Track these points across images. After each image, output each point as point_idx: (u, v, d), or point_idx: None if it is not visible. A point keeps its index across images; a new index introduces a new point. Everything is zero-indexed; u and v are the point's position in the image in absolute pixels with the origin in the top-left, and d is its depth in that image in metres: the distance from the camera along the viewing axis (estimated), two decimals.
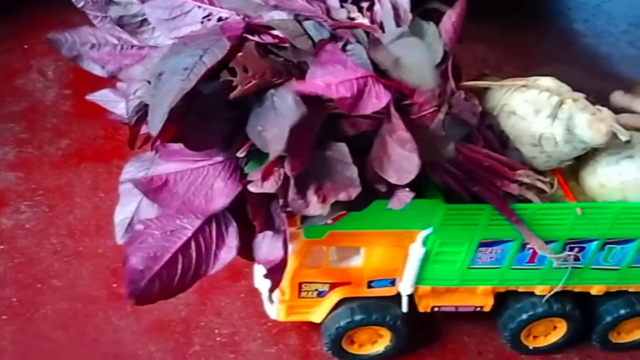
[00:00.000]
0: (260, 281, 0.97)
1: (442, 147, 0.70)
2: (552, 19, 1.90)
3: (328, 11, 0.71)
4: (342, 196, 0.67)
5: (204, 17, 0.75)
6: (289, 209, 0.69)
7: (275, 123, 0.62)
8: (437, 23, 0.75)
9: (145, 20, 0.77)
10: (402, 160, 0.65)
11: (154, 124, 0.61)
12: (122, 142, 1.30)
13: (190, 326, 1.02)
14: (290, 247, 0.83)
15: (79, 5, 0.81)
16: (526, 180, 0.78)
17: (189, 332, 1.02)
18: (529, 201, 0.81)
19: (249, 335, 1.02)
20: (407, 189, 0.69)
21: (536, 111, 0.80)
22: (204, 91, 0.63)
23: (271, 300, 0.89)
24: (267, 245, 0.74)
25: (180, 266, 0.70)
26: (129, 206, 0.79)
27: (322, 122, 0.66)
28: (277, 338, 1.01)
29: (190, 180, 0.70)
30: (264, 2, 0.72)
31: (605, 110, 0.78)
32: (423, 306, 0.94)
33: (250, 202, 0.71)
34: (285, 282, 0.86)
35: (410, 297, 0.92)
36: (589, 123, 0.77)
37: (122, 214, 0.79)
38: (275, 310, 0.92)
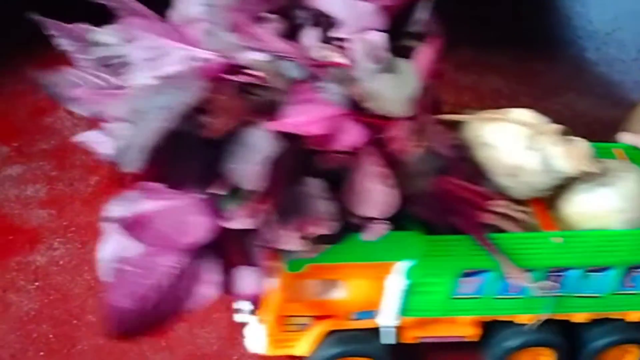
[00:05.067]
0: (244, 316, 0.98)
1: (417, 180, 0.72)
2: (563, 48, 1.92)
3: (306, 51, 0.73)
4: (321, 230, 0.68)
5: (185, 58, 0.77)
6: (269, 244, 0.70)
7: (249, 159, 0.64)
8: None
9: (127, 61, 0.79)
10: (380, 195, 0.66)
11: (132, 163, 0.63)
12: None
13: None
14: (272, 281, 0.85)
15: (61, 48, 0.83)
16: (501, 210, 0.80)
17: None
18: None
19: None
20: (383, 221, 0.70)
21: (511, 143, 0.82)
22: (181, 130, 0.64)
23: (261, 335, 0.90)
24: (247, 280, 0.75)
25: (163, 302, 0.71)
26: (112, 243, 0.79)
27: (296, 158, 0.67)
28: None
29: (169, 217, 0.71)
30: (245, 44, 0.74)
31: (579, 141, 0.80)
32: (408, 337, 0.95)
33: (229, 237, 0.72)
34: (270, 316, 0.87)
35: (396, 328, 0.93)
36: (562, 154, 0.79)
37: (105, 251, 0.79)
38: (261, 344, 0.92)
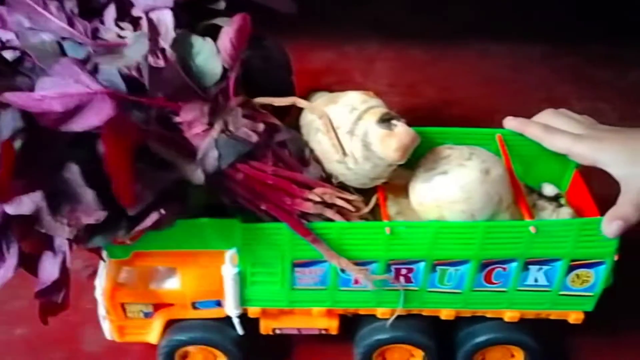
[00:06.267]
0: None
1: (211, 167, 0.69)
2: None
3: (96, 31, 0.71)
4: (91, 220, 0.66)
5: None
6: (46, 231, 0.68)
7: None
8: None
9: None
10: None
11: None
12: None
13: None
14: (101, 267, 0.83)
15: None
16: (318, 199, 0.75)
17: None
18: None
19: None
20: (161, 209, 0.68)
21: (337, 127, 0.77)
22: None
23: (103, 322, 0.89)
24: (48, 265, 0.73)
25: None
26: None
27: (65, 140, 0.65)
28: None
29: None
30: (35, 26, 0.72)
31: (400, 125, 0.74)
32: (264, 328, 0.92)
33: (16, 222, 0.70)
34: (106, 301, 0.86)
35: (254, 320, 0.90)
36: (380, 139, 0.74)
37: None
38: (106, 330, 0.91)
